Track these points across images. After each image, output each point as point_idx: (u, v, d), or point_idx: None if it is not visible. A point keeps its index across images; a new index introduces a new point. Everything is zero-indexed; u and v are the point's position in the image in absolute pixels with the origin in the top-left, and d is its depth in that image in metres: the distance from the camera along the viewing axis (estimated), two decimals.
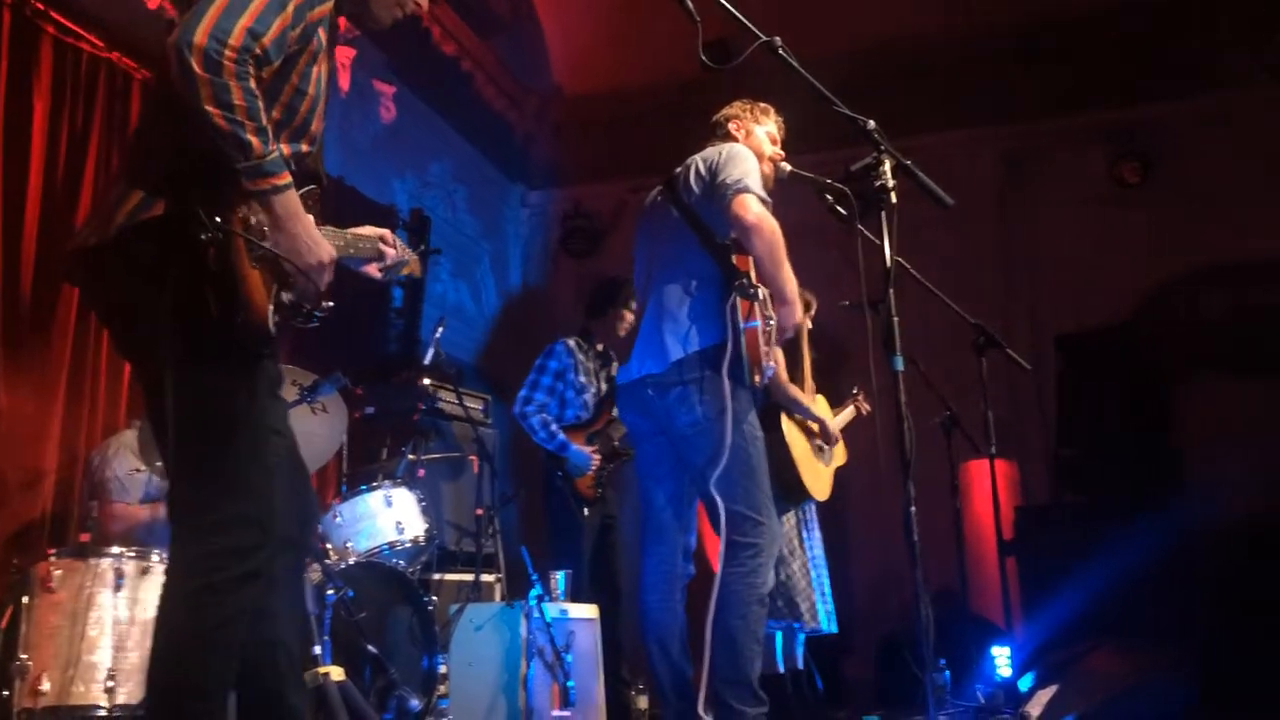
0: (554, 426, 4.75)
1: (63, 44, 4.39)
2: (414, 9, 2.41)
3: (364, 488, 3.81)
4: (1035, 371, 7.39)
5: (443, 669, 3.58)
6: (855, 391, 5.19)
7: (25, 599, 3.16)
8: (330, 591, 3.15)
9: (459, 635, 3.63)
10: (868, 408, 5.17)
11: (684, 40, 8.39)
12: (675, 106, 8.27)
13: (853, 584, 7.63)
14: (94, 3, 4.58)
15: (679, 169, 3.42)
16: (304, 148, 2.21)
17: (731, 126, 3.58)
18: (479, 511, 4.50)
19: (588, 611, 4.00)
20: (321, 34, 2.18)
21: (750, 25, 2.36)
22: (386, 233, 2.57)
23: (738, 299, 3.10)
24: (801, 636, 4.63)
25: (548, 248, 8.68)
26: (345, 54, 6.39)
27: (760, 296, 3.12)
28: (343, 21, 6.65)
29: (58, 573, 3.19)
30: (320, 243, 2.12)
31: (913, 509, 2.18)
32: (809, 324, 4.69)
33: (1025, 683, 4.68)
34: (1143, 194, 7.41)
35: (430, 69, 7.26)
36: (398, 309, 6.66)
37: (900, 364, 2.25)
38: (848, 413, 5.07)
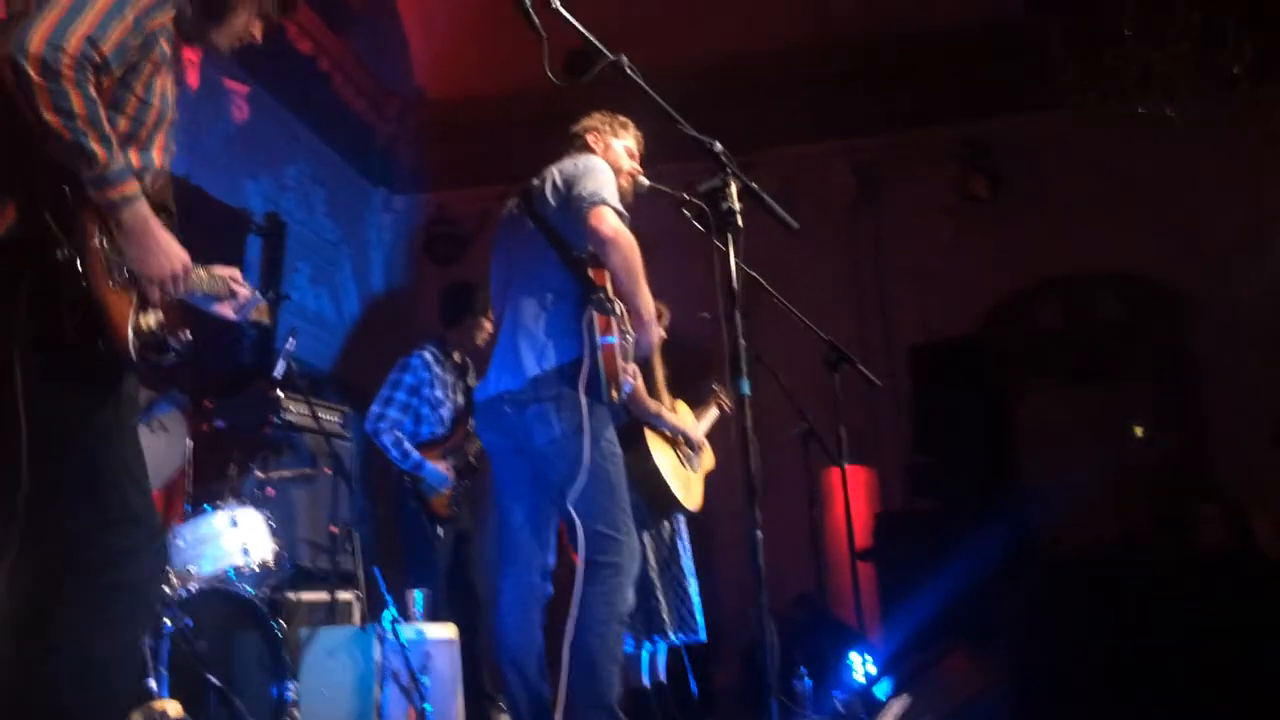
0: (407, 445, 4.62)
1: None
2: (250, 39, 2.34)
3: (207, 508, 3.64)
4: (891, 381, 7.63)
5: (293, 696, 3.44)
6: (714, 388, 5.20)
7: None
8: (167, 621, 2.98)
9: (310, 661, 3.50)
10: (729, 404, 5.21)
11: (550, 49, 8.33)
12: (542, 111, 8.20)
13: (718, 591, 7.72)
14: None
15: (535, 180, 3.37)
16: (158, 162, 2.14)
17: (589, 139, 3.54)
18: (333, 529, 4.35)
19: (446, 631, 3.91)
20: (165, 45, 2.11)
21: (596, 43, 2.32)
22: (235, 272, 2.52)
23: (594, 314, 3.07)
24: (664, 647, 4.63)
25: (411, 253, 8.52)
26: (193, 51, 6.13)
27: (617, 311, 3.10)
28: None
29: None
30: (174, 252, 2.06)
31: (758, 532, 2.18)
32: (662, 334, 4.70)
33: (882, 689, 4.78)
34: (990, 208, 7.70)
35: (285, 68, 7.03)
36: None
37: (746, 387, 2.25)
38: (711, 414, 5.08)
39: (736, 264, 2.36)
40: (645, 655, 4.53)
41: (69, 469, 1.92)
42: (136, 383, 2.10)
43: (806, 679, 4.95)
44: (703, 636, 4.56)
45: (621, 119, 3.65)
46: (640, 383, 4.48)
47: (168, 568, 3.51)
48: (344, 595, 4.58)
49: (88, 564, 1.91)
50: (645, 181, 3.59)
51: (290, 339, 4.18)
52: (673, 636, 4.45)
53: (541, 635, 3.20)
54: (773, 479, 5.80)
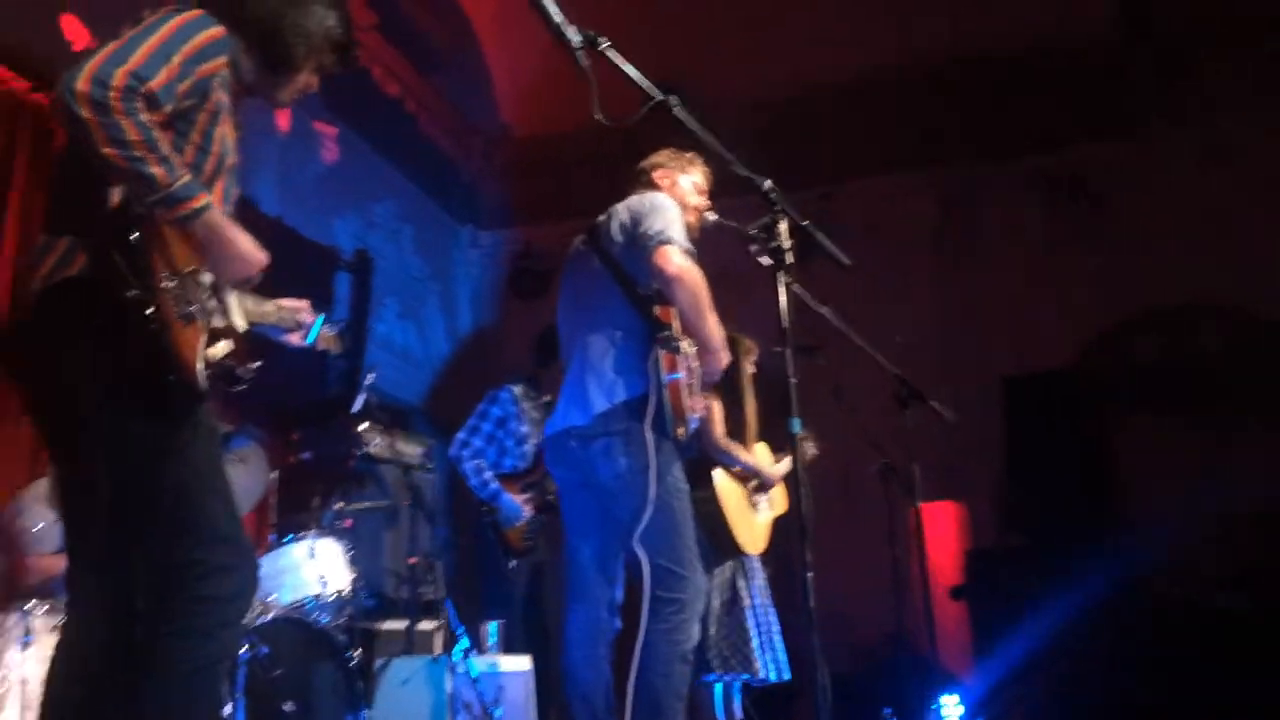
0: (487, 474, 4.68)
1: None
2: (309, 90, 2.42)
3: (289, 538, 3.73)
4: (983, 414, 7.46)
5: None
6: (801, 435, 5.14)
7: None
8: (244, 649, 3.06)
9: (384, 690, 3.56)
10: (814, 451, 5.14)
11: (631, 82, 8.31)
12: (625, 146, 8.29)
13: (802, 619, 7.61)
14: (16, 43, 4.52)
15: (602, 217, 3.40)
16: (219, 207, 2.20)
17: (656, 175, 3.56)
18: (412, 560, 4.41)
19: (519, 664, 3.93)
20: (221, 94, 2.18)
21: (646, 83, 2.33)
22: (303, 304, 2.64)
23: (660, 352, 3.07)
24: (737, 686, 4.57)
25: (497, 289, 8.64)
26: None
27: (682, 349, 3.09)
28: None
29: None
30: (253, 251, 2.13)
31: (810, 574, 2.14)
32: (751, 369, 4.67)
33: None
34: (1084, 236, 7.49)
35: (372, 110, 7.22)
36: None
37: (797, 426, 2.22)
38: (789, 458, 5.02)
39: (793, 300, 2.32)
40: (720, 689, 4.48)
41: (155, 494, 1.99)
42: (212, 411, 2.16)
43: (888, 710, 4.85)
44: (785, 675, 4.49)
45: (689, 155, 3.66)
46: (718, 420, 4.46)
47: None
48: (424, 625, 4.65)
49: (177, 581, 1.98)
50: (712, 216, 3.59)
51: (370, 374, 4.28)
52: (763, 671, 4.40)
53: (610, 670, 3.19)
54: (863, 515, 5.73)
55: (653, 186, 3.54)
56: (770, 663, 4.47)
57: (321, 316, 2.66)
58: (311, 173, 6.71)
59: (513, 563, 4.70)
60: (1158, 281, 7.26)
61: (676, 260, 3.10)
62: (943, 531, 7.35)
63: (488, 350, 8.40)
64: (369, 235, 7.26)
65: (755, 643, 4.44)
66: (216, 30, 2.15)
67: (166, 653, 1.95)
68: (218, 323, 2.10)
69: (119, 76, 1.92)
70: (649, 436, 3.02)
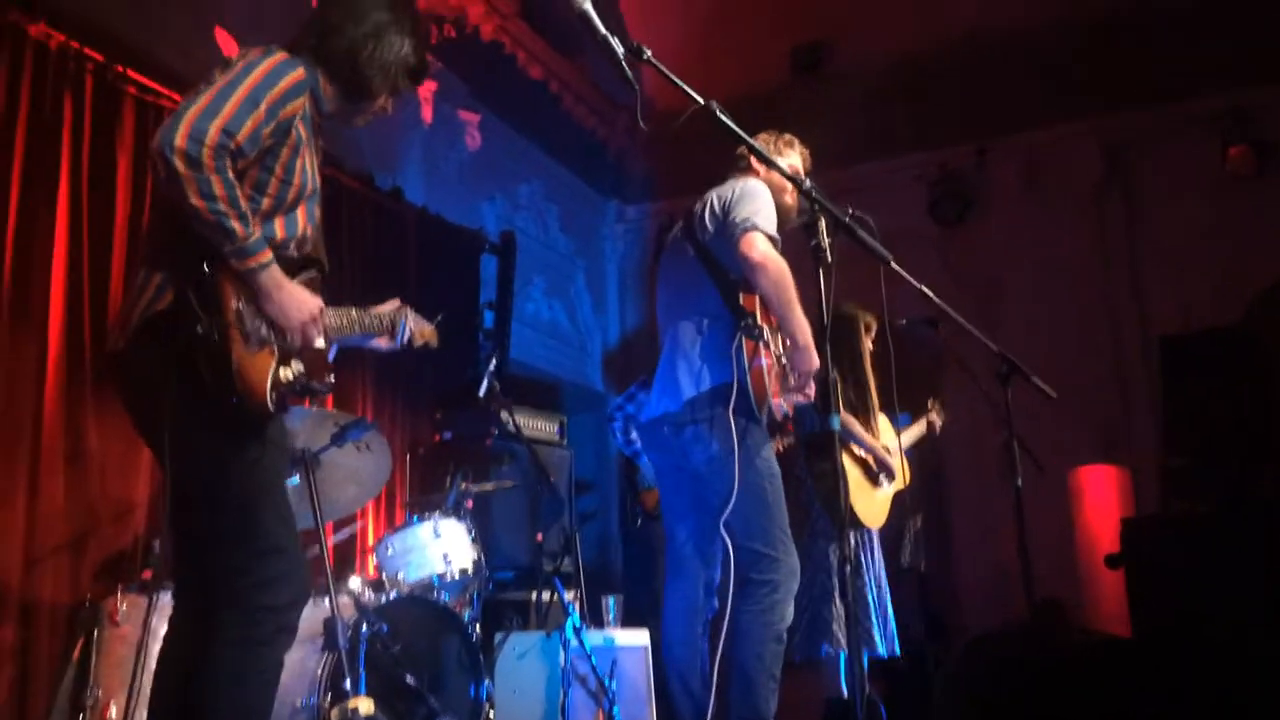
0: (634, 434, 4.84)
1: (144, 103, 4.67)
2: (384, 114, 2.56)
3: (416, 519, 3.96)
4: (1147, 374, 7.12)
5: (488, 696, 3.69)
6: (930, 403, 5.08)
7: (96, 631, 3.42)
8: (365, 627, 3.29)
9: (502, 664, 3.75)
10: (940, 422, 5.06)
11: (772, 49, 8.26)
12: (770, 114, 8.23)
13: (957, 593, 7.49)
14: (172, 60, 4.86)
15: (697, 204, 3.44)
16: (301, 230, 2.38)
17: (752, 161, 3.57)
18: (539, 537, 4.59)
19: (637, 638, 4.05)
20: (301, 129, 2.36)
21: (687, 89, 2.37)
22: (392, 305, 2.81)
23: (743, 339, 3.11)
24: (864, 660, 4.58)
25: (643, 261, 8.76)
26: (426, 88, 6.60)
27: (765, 337, 3.12)
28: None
29: (123, 607, 3.43)
30: (305, 302, 2.30)
31: (848, 567, 2.16)
32: (870, 345, 4.64)
33: None
34: (1256, 184, 7.00)
35: (516, 94, 7.42)
36: (488, 330, 6.80)
37: (836, 423, 2.23)
38: (916, 429, 4.97)
39: (828, 298, 2.32)
40: (843, 660, 4.50)
41: (220, 507, 2.20)
42: (282, 427, 2.35)
43: None
44: (894, 650, 4.48)
45: (786, 137, 3.66)
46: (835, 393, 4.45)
47: (382, 573, 3.87)
48: (547, 596, 4.83)
49: (238, 592, 2.18)
50: None
51: (491, 361, 4.46)
52: (881, 648, 4.41)
53: (706, 648, 3.28)
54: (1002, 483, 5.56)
55: (748, 171, 3.56)
56: (883, 638, 4.47)
57: (404, 317, 2.77)
58: (456, 160, 6.96)
59: (640, 522, 4.85)
60: None
61: (761, 248, 3.12)
62: (1105, 498, 7.09)
63: (636, 323, 8.55)
64: (515, 217, 7.49)
65: (875, 617, 4.45)
66: (298, 73, 2.32)
67: (225, 662, 2.15)
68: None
69: (212, 134, 2.12)
70: (733, 421, 3.06)
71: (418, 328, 2.87)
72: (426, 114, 6.59)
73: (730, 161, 3.63)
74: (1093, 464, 7.12)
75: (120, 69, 4.57)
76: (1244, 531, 5.48)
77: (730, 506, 3.04)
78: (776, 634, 3.10)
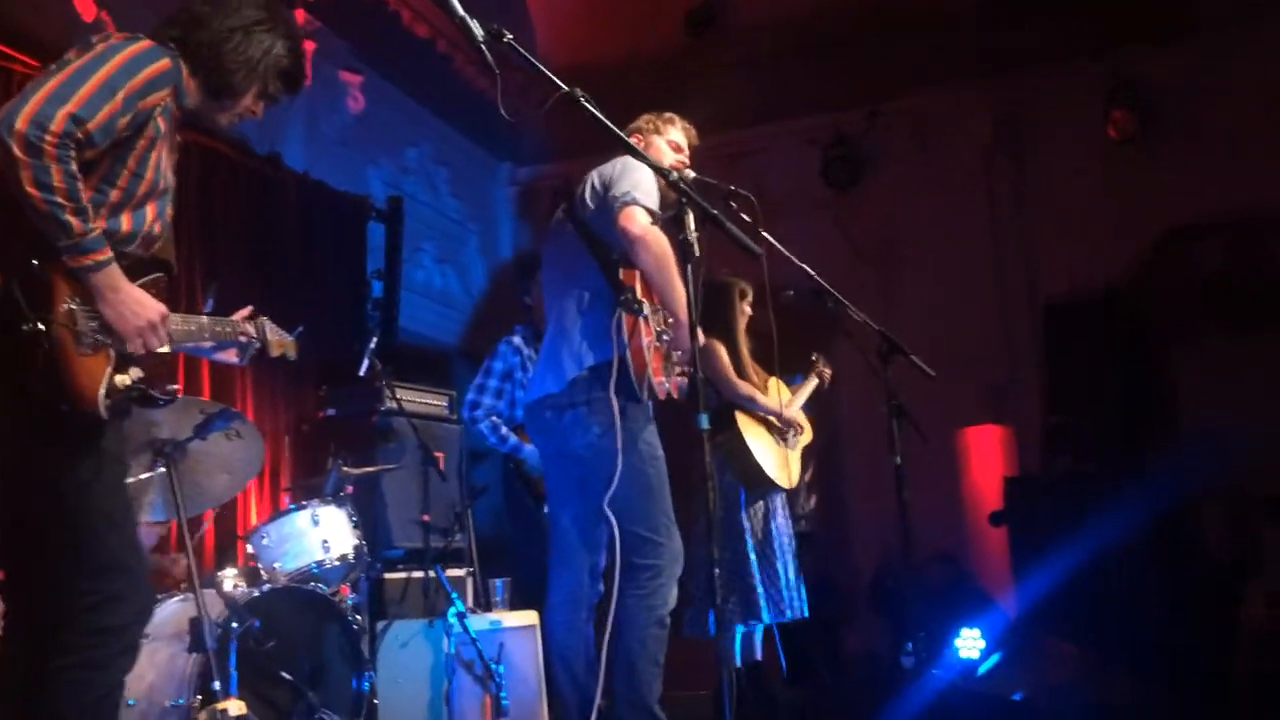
0: (504, 430, 4.71)
1: None
2: (251, 116, 2.42)
3: (292, 507, 3.82)
4: (1036, 336, 7.26)
5: (371, 688, 3.60)
6: (814, 358, 5.08)
7: None
8: (234, 624, 3.16)
9: (385, 653, 3.66)
10: (828, 373, 5.08)
11: (669, 10, 8.11)
12: (665, 76, 8.14)
13: (851, 548, 7.60)
14: (27, 21, 4.57)
15: (578, 185, 3.35)
16: (148, 226, 2.24)
17: (632, 140, 3.49)
18: (425, 517, 4.48)
19: (525, 619, 3.99)
20: (160, 122, 2.22)
21: (551, 75, 2.29)
22: (244, 313, 2.64)
23: (622, 314, 3.04)
24: (759, 629, 4.60)
25: (538, 225, 8.62)
26: (308, 45, 6.33)
27: (645, 312, 3.06)
28: (300, 14, 6.52)
29: None
30: (145, 306, 2.15)
31: (716, 570, 2.12)
32: (748, 311, 4.63)
33: (986, 667, 4.62)
34: (1141, 147, 7.14)
35: (402, 53, 7.17)
36: (375, 300, 6.61)
37: (705, 422, 2.17)
38: (809, 385, 4.98)
39: (697, 292, 2.26)
40: (739, 636, 4.52)
41: (50, 523, 2.05)
42: (119, 436, 2.20)
43: (911, 657, 4.83)
44: (800, 613, 4.52)
45: (667, 114, 3.60)
46: (724, 361, 4.43)
47: (257, 564, 3.74)
48: (456, 572, 4.74)
49: (78, 613, 2.04)
50: (690, 174, 3.50)
51: (372, 339, 4.32)
52: (766, 617, 4.43)
53: (592, 633, 3.23)
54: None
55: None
56: (790, 602, 4.50)
57: (259, 327, 2.62)
58: (339, 123, 6.72)
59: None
60: (1221, 192, 6.91)
61: (641, 220, 3.05)
62: (989, 457, 7.25)
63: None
64: (404, 182, 7.27)
65: (785, 581, 4.48)
66: (163, 63, 2.19)
67: (68, 685, 2.02)
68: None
69: (58, 120, 1.97)
70: (614, 401, 3.00)
71: (275, 338, 2.71)
72: (306, 75, 6.32)
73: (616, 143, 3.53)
74: (980, 424, 7.27)
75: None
76: (1122, 489, 5.66)
77: (613, 489, 2.98)
78: (659, 619, 3.07)
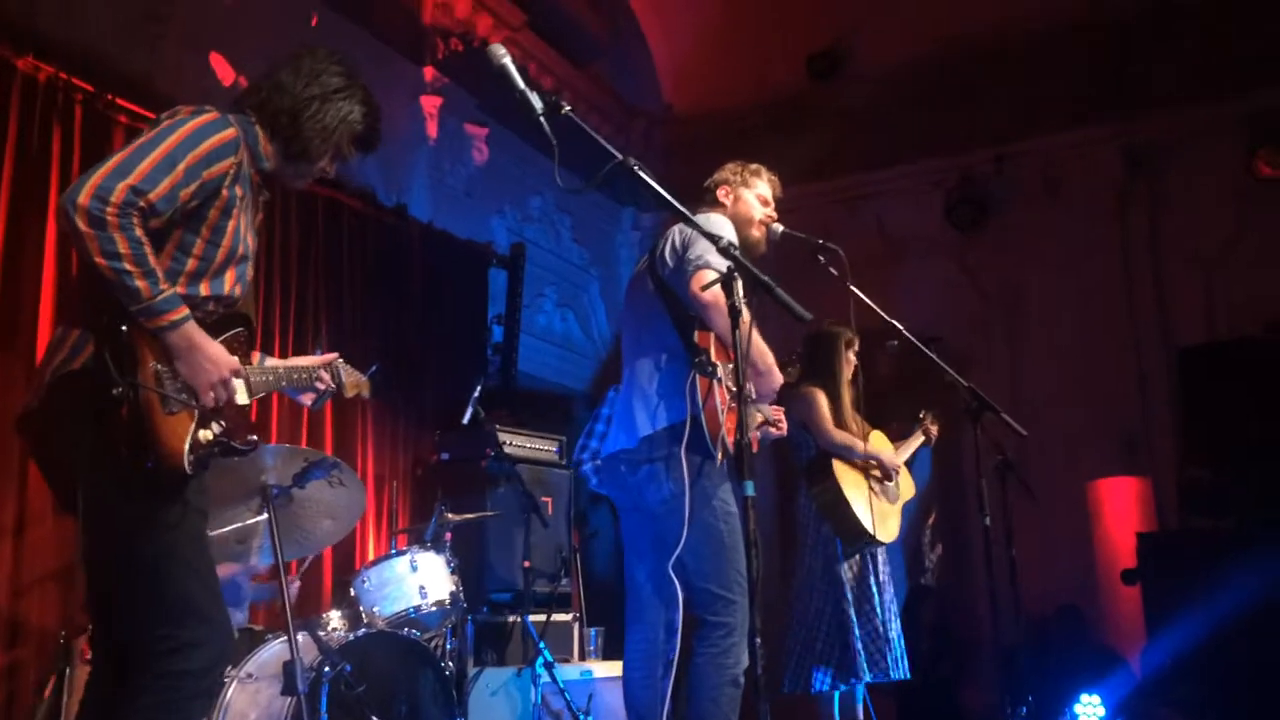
0: None
1: (136, 130, 4.69)
2: (324, 176, 2.55)
3: (393, 553, 3.95)
4: (1171, 385, 6.93)
5: None
6: (921, 416, 5.00)
7: (67, 669, 3.45)
8: (327, 668, 3.29)
9: (475, 700, 3.73)
10: (935, 430, 4.97)
11: (790, 55, 8.12)
12: (785, 120, 8.15)
13: (976, 602, 7.35)
14: (166, 87, 4.90)
15: (661, 240, 3.40)
16: (228, 291, 2.37)
17: (720, 193, 3.54)
18: (526, 564, 4.56)
19: (617, 669, 4.01)
20: (237, 189, 2.32)
21: (605, 143, 2.33)
22: (323, 359, 2.76)
23: (696, 377, 3.06)
24: (861, 689, 4.51)
25: None
26: (431, 103, 6.60)
27: (719, 375, 3.07)
28: (429, 71, 6.72)
29: None
30: (218, 360, 2.27)
31: (758, 640, 2.10)
32: (853, 360, 4.58)
33: None
34: None
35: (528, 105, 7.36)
36: (496, 344, 6.76)
37: (751, 489, 2.15)
38: (915, 440, 4.89)
39: (745, 355, 2.27)
40: (837, 696, 4.44)
41: (135, 572, 2.19)
42: (202, 489, 2.33)
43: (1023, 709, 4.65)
44: (900, 674, 4.41)
45: (753, 166, 3.61)
46: (824, 412, 4.40)
47: (359, 607, 3.88)
48: (563, 616, 4.82)
49: (153, 657, 2.17)
50: (779, 228, 3.53)
51: (477, 389, 4.45)
52: (866, 676, 4.34)
53: (668, 689, 3.24)
54: (1044, 491, 5.41)
55: (716, 204, 3.53)
56: (893, 662, 4.40)
57: (334, 370, 2.76)
58: (464, 174, 6.95)
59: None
60: None
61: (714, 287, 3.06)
62: (1124, 510, 6.94)
63: None
64: (526, 229, 7.46)
65: (884, 640, 4.38)
66: (225, 134, 2.28)
67: None
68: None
69: (118, 192, 2.09)
70: (685, 460, 3.02)
71: (350, 379, 2.85)
72: (432, 129, 6.59)
73: (700, 195, 3.58)
74: (1112, 476, 6.98)
75: (110, 97, 4.61)
76: (1261, 549, 5.34)
77: (681, 546, 3.00)
78: (732, 678, 3.05)
